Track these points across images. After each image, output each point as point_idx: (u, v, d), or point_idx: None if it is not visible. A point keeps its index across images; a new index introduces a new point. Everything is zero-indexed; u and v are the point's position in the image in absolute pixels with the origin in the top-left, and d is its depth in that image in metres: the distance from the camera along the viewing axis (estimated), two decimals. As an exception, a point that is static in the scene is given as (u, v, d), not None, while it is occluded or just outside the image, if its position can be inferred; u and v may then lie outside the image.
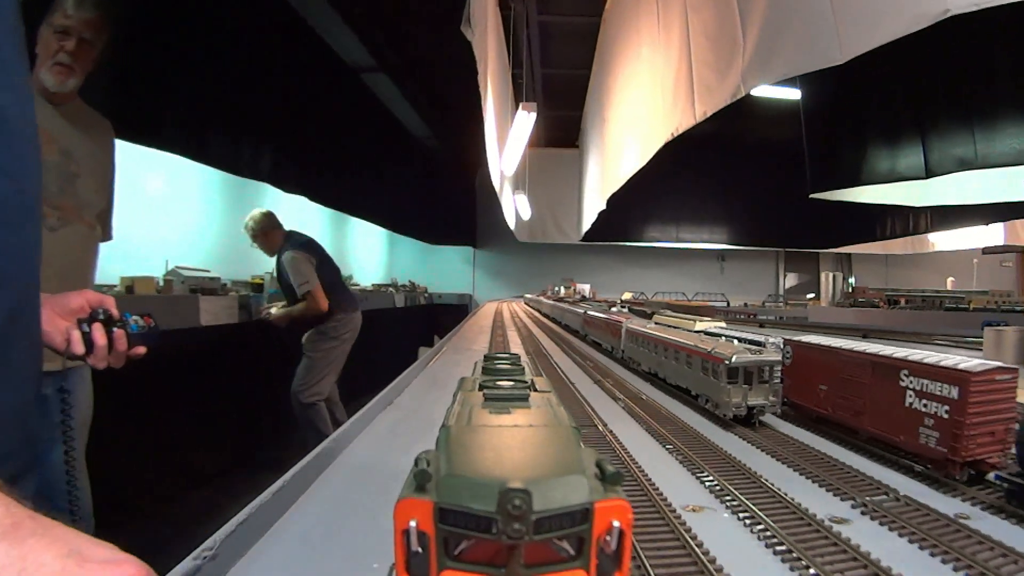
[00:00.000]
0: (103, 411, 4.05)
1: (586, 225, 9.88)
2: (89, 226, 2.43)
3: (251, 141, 5.32)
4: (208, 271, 5.50)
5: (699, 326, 3.13)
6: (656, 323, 3.59)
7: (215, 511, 4.02)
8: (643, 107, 4.32)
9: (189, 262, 5.63)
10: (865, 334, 5.09)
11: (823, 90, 6.19)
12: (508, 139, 4.99)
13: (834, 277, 7.42)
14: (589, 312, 4.43)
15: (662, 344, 2.38)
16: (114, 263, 4.91)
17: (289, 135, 5.95)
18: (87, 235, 2.41)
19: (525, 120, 4.03)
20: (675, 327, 3.03)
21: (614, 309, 4.87)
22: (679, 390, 2.21)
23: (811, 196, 6.11)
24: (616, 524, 0.49)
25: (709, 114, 3.15)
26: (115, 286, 4.43)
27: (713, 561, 0.89)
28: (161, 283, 4.68)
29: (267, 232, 4.60)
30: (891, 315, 6.44)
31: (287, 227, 4.91)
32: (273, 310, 4.94)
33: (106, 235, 2.67)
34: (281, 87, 5.87)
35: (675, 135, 3.56)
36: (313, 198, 6.14)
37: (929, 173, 5.69)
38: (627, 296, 11.21)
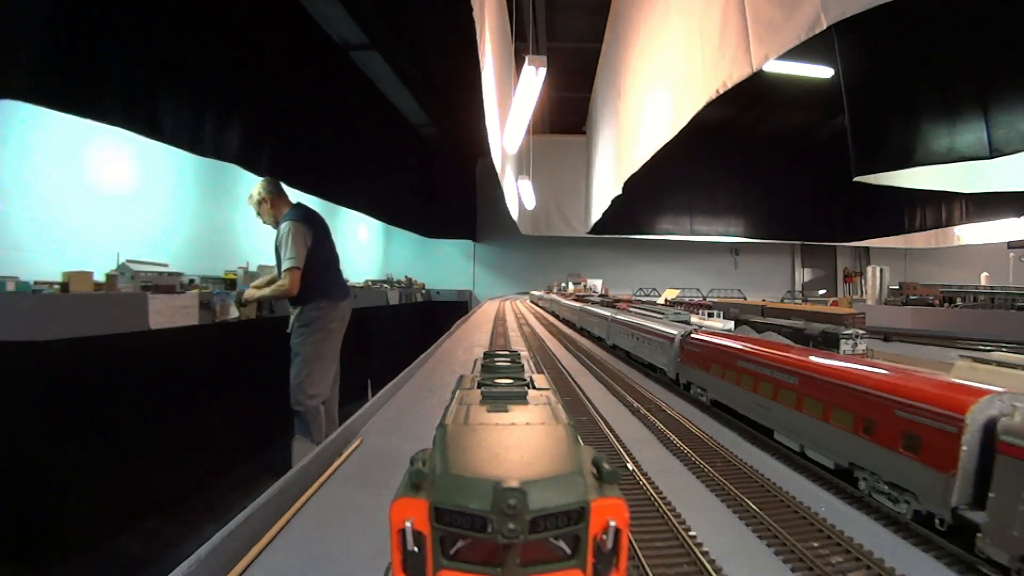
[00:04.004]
0: (28, 432, 3.40)
1: (595, 216, 9.16)
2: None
3: (216, 116, 4.60)
4: (166, 265, 4.82)
5: None
6: None
7: (171, 544, 3.35)
8: (675, 66, 3.60)
9: (156, 256, 4.97)
10: None
11: (868, 60, 5.46)
12: (512, 107, 4.27)
13: (881, 271, 6.69)
14: (708, 337, 2.28)
15: None
16: (57, 258, 4.25)
17: (263, 112, 5.25)
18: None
19: (532, 79, 3.32)
20: None
21: (698, 319, 3.30)
22: None
23: (855, 180, 5.38)
24: (612, 523, 0.50)
25: (772, 58, 2.44)
26: (55, 283, 3.77)
27: None
28: (103, 279, 3.99)
29: (272, 200, 4.21)
30: (956, 316, 5.66)
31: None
32: (248, 290, 4.53)
33: None
34: (253, 56, 5.15)
35: (721, 91, 2.84)
36: (292, 183, 5.44)
37: (993, 152, 4.98)
38: (672, 295, 8.89)
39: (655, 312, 3.41)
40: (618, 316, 3.64)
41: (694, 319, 3.14)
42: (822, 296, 12.08)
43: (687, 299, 8.29)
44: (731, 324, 3.28)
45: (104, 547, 3.68)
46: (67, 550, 3.52)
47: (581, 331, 5.09)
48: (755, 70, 2.54)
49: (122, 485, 3.87)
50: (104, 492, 3.76)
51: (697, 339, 2.35)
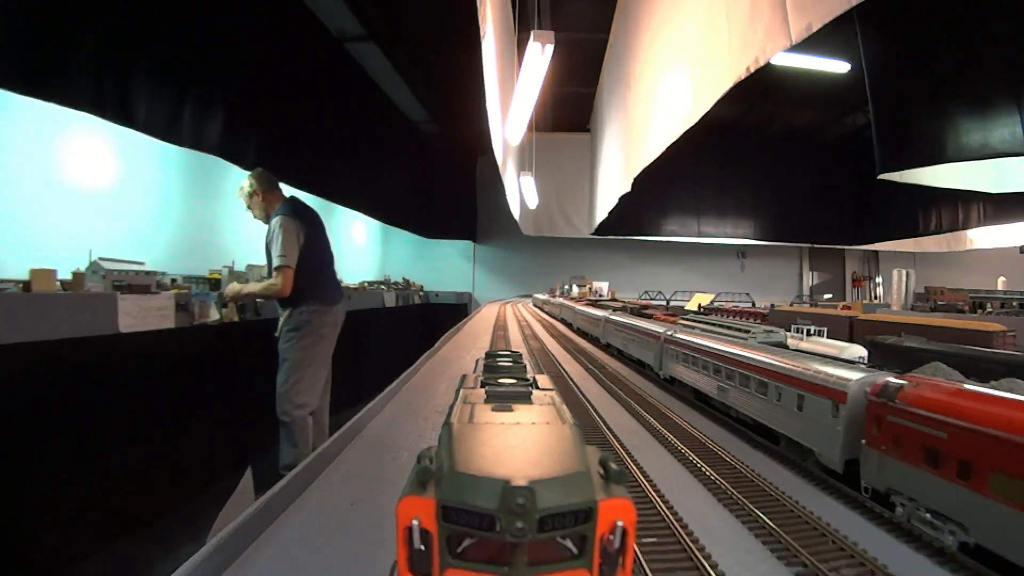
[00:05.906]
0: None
1: (600, 216, 8.84)
2: None
3: (197, 105, 4.29)
4: (143, 263, 4.50)
5: None
6: None
7: (145, 565, 3.01)
8: (695, 48, 3.29)
9: (138, 255, 4.65)
10: None
11: (893, 50, 5.14)
12: (515, 92, 3.97)
13: (907, 275, 6.38)
14: None
15: None
16: (31, 256, 3.94)
17: (250, 102, 4.94)
18: None
19: (538, 58, 3.02)
20: None
21: (793, 339, 2.24)
22: None
23: (879, 177, 5.06)
24: (620, 523, 0.50)
25: (815, 28, 2.12)
26: (19, 282, 3.47)
27: None
28: (70, 277, 3.67)
29: (264, 194, 3.93)
30: (996, 321, 5.28)
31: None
32: (231, 284, 4.25)
33: None
34: (241, 44, 4.85)
35: (752, 70, 2.52)
36: (282, 178, 5.13)
37: (1029, 147, 4.65)
38: (705, 300, 7.22)
39: (732, 331, 2.26)
40: (678, 336, 2.56)
41: (790, 340, 2.00)
42: (829, 300, 11.73)
43: (737, 306, 6.52)
44: (860, 350, 2.03)
45: (73, 570, 3.38)
46: (33, 573, 3.22)
47: (607, 348, 4.25)
48: (794, 42, 2.22)
49: (92, 502, 3.56)
50: (72, 510, 3.45)
51: (922, 406, 1.12)
